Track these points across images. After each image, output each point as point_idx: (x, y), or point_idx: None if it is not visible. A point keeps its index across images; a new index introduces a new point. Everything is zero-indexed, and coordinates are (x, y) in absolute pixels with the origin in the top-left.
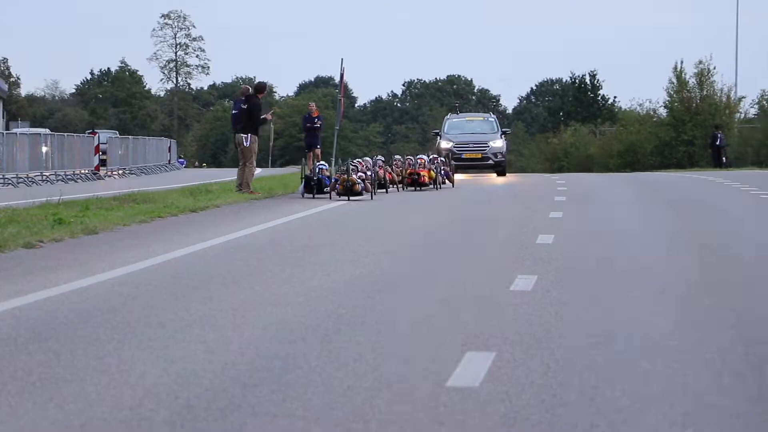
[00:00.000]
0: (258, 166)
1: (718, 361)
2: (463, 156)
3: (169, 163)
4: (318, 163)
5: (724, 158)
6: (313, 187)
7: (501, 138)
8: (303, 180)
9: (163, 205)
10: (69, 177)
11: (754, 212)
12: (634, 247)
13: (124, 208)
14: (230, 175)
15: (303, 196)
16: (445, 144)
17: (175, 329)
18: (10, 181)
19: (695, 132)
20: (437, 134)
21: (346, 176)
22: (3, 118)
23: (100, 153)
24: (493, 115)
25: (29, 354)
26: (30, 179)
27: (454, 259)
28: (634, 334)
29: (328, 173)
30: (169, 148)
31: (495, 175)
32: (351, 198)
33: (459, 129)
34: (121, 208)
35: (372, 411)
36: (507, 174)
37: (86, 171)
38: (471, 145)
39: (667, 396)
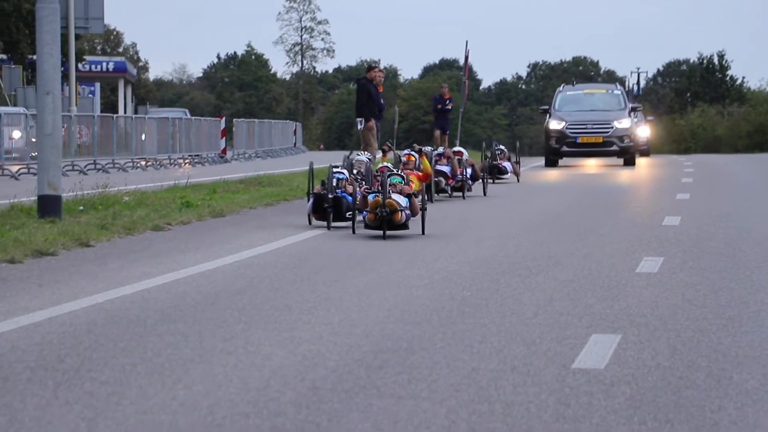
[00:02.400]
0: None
1: None
2: (579, 140)
3: (295, 146)
4: (334, 171)
5: None
6: (329, 211)
7: (629, 116)
8: (310, 197)
9: (289, 188)
10: (197, 161)
11: None
12: (761, 229)
13: (250, 191)
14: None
15: (311, 222)
16: (555, 124)
17: (300, 311)
18: (139, 165)
19: None
20: (546, 111)
21: (381, 198)
22: (132, 102)
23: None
24: (619, 87)
25: (158, 336)
26: (158, 162)
27: (579, 241)
28: (761, 316)
29: (350, 188)
30: (294, 131)
31: (623, 163)
32: (388, 233)
33: (575, 104)
34: (247, 191)
35: (497, 393)
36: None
37: (213, 154)
38: (589, 126)
39: None
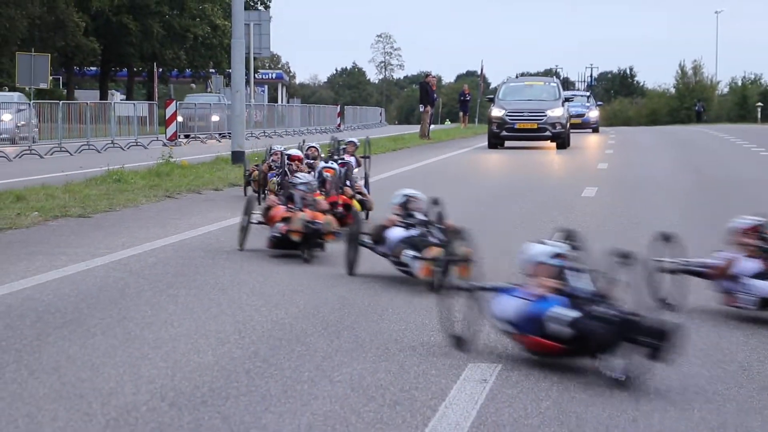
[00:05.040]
0: (433, 123)
1: (706, 220)
2: (516, 126)
3: (380, 122)
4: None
5: (704, 117)
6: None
7: (562, 106)
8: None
9: (376, 147)
10: (322, 131)
11: (725, 147)
12: (657, 170)
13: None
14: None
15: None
16: (496, 112)
17: None
18: (288, 133)
19: (692, 102)
20: (491, 100)
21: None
22: (285, 96)
23: (341, 117)
24: (556, 80)
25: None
26: (299, 131)
27: (543, 179)
28: (656, 220)
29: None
30: (381, 113)
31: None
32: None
33: (516, 95)
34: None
35: (505, 268)
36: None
37: (332, 127)
38: (526, 114)
39: None
